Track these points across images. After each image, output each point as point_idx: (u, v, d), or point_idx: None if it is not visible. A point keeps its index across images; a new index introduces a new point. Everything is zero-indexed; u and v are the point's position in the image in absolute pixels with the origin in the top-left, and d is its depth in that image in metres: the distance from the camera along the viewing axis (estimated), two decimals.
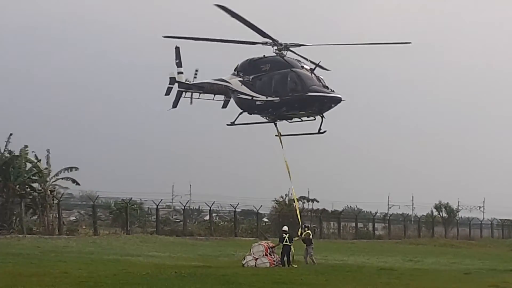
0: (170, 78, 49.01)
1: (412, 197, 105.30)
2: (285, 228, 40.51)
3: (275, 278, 29.43)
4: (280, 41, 45.27)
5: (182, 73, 48.79)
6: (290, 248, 38.73)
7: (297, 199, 53.78)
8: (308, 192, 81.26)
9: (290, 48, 46.02)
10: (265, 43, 45.44)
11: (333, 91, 43.92)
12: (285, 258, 38.31)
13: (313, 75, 44.06)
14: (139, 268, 31.50)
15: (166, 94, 49.22)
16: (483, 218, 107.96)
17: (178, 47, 49.24)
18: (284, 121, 46.64)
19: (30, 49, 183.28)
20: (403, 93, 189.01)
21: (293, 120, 46.66)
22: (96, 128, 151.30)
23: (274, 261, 37.48)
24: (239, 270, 33.16)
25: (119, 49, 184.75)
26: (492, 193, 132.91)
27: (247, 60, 47.26)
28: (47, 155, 64.57)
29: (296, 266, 38.30)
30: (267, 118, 47.09)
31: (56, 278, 25.96)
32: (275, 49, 45.71)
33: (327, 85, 44.47)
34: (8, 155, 62.64)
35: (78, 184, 68.09)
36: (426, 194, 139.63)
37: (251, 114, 46.98)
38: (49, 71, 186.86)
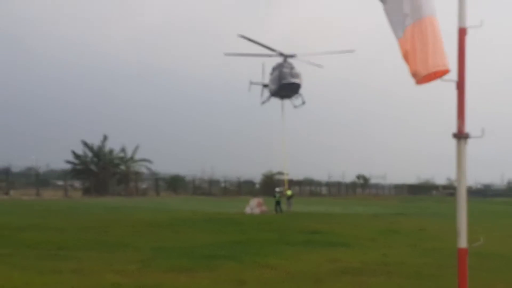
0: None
1: (343, 171, 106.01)
2: (277, 189, 41.21)
3: (263, 220, 30.11)
4: (284, 53, 47.07)
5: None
6: (280, 202, 39.25)
7: (281, 173, 55.87)
8: (282, 169, 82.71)
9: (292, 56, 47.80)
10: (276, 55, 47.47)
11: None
12: (278, 208, 38.77)
13: (292, 71, 46.62)
14: (182, 215, 32.19)
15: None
16: (385, 183, 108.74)
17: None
18: None
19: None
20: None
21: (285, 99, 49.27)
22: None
23: (263, 211, 38.08)
24: (241, 216, 33.90)
25: None
26: (391, 167, 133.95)
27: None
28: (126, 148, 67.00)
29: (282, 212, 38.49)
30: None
31: (134, 221, 26.34)
32: (282, 58, 47.73)
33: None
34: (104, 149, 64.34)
35: (149, 168, 71.75)
36: (351, 168, 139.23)
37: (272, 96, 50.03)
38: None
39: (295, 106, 49.15)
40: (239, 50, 51.58)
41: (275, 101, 49.55)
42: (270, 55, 46.84)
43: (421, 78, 5.06)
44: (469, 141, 5.29)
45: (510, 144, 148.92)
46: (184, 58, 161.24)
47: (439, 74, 5.04)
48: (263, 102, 49.32)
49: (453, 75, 5.24)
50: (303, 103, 48.70)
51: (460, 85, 5.21)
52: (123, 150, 67.74)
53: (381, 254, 15.73)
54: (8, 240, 17.34)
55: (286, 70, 46.19)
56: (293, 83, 46.09)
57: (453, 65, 5.24)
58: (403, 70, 5.21)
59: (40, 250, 15.19)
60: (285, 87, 46.26)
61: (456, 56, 5.27)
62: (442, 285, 10.79)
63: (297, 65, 46.89)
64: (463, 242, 5.35)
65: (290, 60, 46.90)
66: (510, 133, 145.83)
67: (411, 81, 5.13)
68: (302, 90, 47.17)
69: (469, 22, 5.28)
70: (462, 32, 5.22)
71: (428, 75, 5.01)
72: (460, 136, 5.22)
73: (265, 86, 49.90)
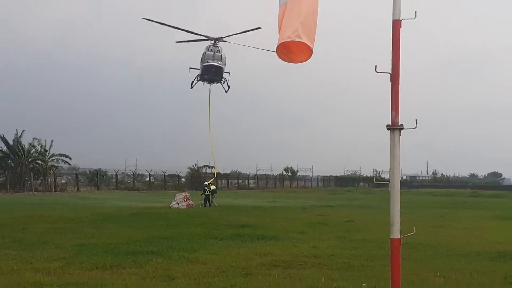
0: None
1: (271, 164, 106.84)
2: (206, 183, 40.56)
3: (189, 213, 29.92)
4: (211, 36, 46.41)
5: None
6: (210, 196, 38.90)
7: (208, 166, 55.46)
8: (208, 162, 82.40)
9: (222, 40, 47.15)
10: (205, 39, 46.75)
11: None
12: (207, 202, 38.48)
13: (215, 54, 46.19)
14: (106, 210, 31.47)
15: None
16: (312, 175, 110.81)
17: None
18: None
19: None
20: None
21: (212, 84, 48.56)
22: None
23: (189, 205, 37.79)
24: (167, 210, 33.54)
25: None
26: (317, 160, 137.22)
27: None
28: (45, 142, 64.77)
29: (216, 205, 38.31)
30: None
31: (54, 217, 25.47)
32: (212, 42, 47.07)
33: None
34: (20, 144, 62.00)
35: (68, 163, 70.17)
36: (278, 161, 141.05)
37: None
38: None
39: (226, 92, 49.16)
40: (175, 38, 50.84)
41: (206, 91, 49.07)
42: (201, 40, 46.52)
43: (278, 47, 5.26)
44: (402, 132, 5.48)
45: (436, 134, 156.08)
46: (112, 45, 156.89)
47: (295, 52, 5.28)
48: (192, 86, 48.66)
49: (388, 67, 5.41)
50: (228, 87, 48.85)
51: (395, 78, 5.37)
52: (40, 145, 65.67)
53: (310, 247, 16.06)
54: None
55: (209, 52, 46.15)
56: (213, 65, 45.70)
57: (387, 57, 5.40)
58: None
59: None
60: (206, 69, 46.14)
61: (391, 48, 5.42)
62: (372, 275, 11.12)
63: (229, 48, 46.78)
64: (396, 233, 5.53)
65: (220, 43, 46.78)
66: (436, 123, 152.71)
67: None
68: (230, 76, 47.42)
69: (403, 15, 5.45)
70: (396, 25, 5.38)
71: (286, 47, 5.24)
72: (394, 127, 5.38)
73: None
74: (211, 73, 46.30)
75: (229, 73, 48.36)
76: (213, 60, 45.57)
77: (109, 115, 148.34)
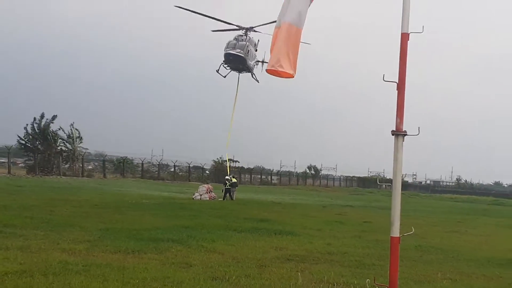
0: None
1: (295, 161, 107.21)
2: (227, 177, 40.77)
3: (211, 205, 30.55)
4: (242, 26, 46.69)
5: None
6: (230, 189, 39.10)
7: (228, 159, 55.29)
8: (233, 156, 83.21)
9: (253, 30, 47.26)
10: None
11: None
12: (227, 195, 38.78)
13: (238, 43, 46.36)
14: (130, 198, 32.19)
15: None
16: (335, 175, 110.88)
17: None
18: None
19: None
20: None
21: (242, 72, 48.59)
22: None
23: (212, 197, 38.32)
24: (190, 201, 34.17)
25: None
26: (341, 159, 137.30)
27: None
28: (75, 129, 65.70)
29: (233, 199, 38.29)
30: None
31: (80, 202, 26.42)
32: (243, 31, 47.25)
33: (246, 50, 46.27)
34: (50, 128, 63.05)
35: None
36: (302, 159, 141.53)
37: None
38: None
39: (258, 81, 49.33)
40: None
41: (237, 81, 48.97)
42: (234, 29, 46.65)
43: (268, 69, 6.20)
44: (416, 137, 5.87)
45: (461, 140, 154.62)
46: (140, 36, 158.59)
47: (282, 74, 6.15)
48: (217, 71, 48.61)
49: (394, 77, 5.80)
50: (257, 81, 49.03)
51: (401, 87, 5.76)
52: (74, 131, 66.83)
53: (325, 244, 16.41)
54: None
55: (232, 41, 46.26)
56: (232, 54, 45.56)
57: (394, 68, 5.79)
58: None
59: None
60: (226, 57, 46.31)
61: (398, 59, 5.81)
62: (381, 274, 11.45)
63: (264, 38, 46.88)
64: (396, 231, 5.92)
65: (250, 33, 46.81)
66: (462, 129, 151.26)
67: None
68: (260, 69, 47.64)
69: (411, 28, 5.83)
70: (404, 37, 5.76)
71: (272, 70, 6.16)
72: (398, 133, 5.77)
73: None
74: (230, 61, 46.28)
75: (262, 62, 48.33)
76: (233, 49, 45.59)
77: (139, 104, 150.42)
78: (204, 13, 44.95)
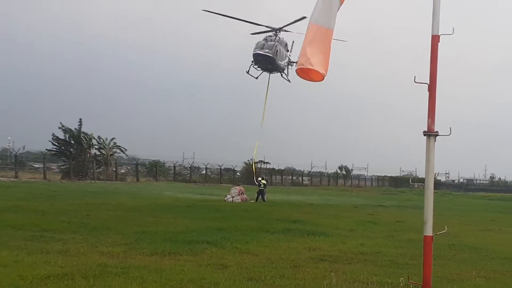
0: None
1: (326, 161, 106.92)
2: (260, 178, 40.99)
3: (243, 207, 30.60)
4: (272, 26, 46.50)
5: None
6: (263, 191, 39.45)
7: (256, 162, 55.56)
8: (264, 157, 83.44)
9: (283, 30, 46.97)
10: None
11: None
12: (260, 197, 39.10)
13: (267, 43, 46.04)
14: (164, 201, 32.64)
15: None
16: (367, 175, 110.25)
17: None
18: None
19: None
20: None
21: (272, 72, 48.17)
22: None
23: (243, 199, 38.57)
24: (222, 203, 34.44)
25: None
26: (372, 159, 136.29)
27: None
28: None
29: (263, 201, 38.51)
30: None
31: (115, 205, 26.83)
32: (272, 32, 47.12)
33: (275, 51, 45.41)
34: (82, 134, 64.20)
35: (125, 152, 70.82)
36: (333, 159, 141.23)
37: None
38: None
39: (289, 81, 49.15)
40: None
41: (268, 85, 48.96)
42: (269, 31, 46.63)
43: (298, 68, 6.22)
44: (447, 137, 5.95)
45: (494, 138, 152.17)
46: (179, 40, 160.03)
47: (313, 75, 6.16)
48: (247, 72, 48.48)
49: (425, 78, 5.88)
50: (288, 81, 48.81)
51: (432, 88, 5.83)
52: (104, 138, 68.01)
53: (358, 244, 16.41)
54: None
55: (261, 42, 46.17)
56: (259, 54, 45.32)
57: (425, 69, 5.87)
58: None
59: (25, 231, 15.60)
60: (255, 57, 46.18)
61: (429, 61, 5.89)
62: (414, 273, 11.46)
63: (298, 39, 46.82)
64: (429, 230, 6.00)
65: (281, 34, 46.75)
66: (495, 127, 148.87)
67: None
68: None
69: (441, 30, 5.90)
70: (435, 39, 5.84)
71: (303, 69, 6.14)
72: (430, 133, 5.85)
73: None
74: (259, 61, 46.12)
75: (292, 63, 48.17)
76: (261, 49, 45.56)
77: (169, 108, 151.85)
78: (232, 16, 45.10)
